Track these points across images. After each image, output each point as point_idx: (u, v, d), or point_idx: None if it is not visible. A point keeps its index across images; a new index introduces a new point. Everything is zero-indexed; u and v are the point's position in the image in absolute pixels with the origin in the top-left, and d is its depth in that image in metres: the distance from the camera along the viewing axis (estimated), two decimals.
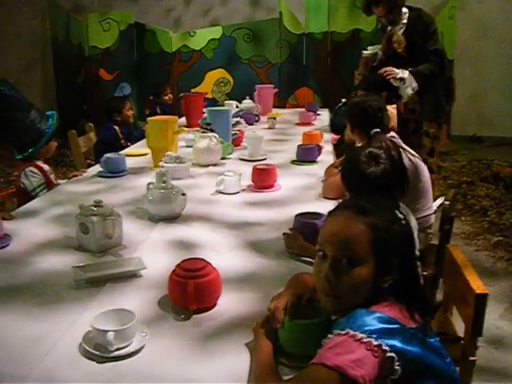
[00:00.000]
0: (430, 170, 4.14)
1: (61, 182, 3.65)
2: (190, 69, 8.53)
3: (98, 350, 1.49)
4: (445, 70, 4.84)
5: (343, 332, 1.29)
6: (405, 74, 4.59)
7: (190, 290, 1.67)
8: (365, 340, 1.26)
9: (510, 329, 3.58)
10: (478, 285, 2.21)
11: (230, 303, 1.80)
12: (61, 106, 8.93)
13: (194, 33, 8.51)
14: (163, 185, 2.61)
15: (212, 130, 3.81)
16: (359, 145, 3.11)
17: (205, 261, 1.81)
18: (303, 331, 1.50)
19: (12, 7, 9.58)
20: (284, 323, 1.51)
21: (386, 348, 1.26)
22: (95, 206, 2.28)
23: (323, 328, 1.46)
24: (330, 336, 1.32)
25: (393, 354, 1.26)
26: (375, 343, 1.25)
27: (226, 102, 5.92)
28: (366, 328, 1.28)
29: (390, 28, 4.84)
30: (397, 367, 1.27)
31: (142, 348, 1.52)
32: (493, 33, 8.93)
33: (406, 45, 4.71)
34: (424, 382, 1.35)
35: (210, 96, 8.31)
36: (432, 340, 1.40)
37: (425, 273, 2.90)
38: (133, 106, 8.12)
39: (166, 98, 6.80)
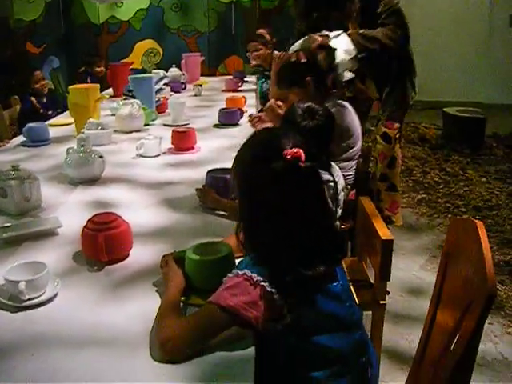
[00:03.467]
0: (393, 187, 3.83)
1: None
2: (118, 40, 8.45)
3: (12, 300, 1.56)
4: (407, 43, 3.60)
5: (241, 272, 1.36)
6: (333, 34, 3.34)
7: (100, 242, 1.75)
8: (260, 283, 1.33)
9: (429, 279, 3.73)
10: (383, 232, 2.33)
11: (142, 254, 1.89)
12: None
13: (122, 3, 8.40)
14: (81, 149, 2.67)
15: (133, 97, 3.85)
16: None
17: (115, 215, 1.89)
18: (206, 266, 1.60)
19: None
20: (188, 260, 1.62)
21: (276, 296, 1.34)
22: (13, 171, 2.32)
23: (226, 263, 1.58)
24: (229, 275, 1.39)
25: (282, 302, 1.34)
26: (269, 289, 1.33)
27: (154, 71, 5.91)
28: (264, 271, 1.36)
29: None
30: (286, 314, 1.35)
31: (54, 297, 1.60)
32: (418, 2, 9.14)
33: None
34: (321, 328, 1.44)
35: (139, 66, 8.29)
36: (335, 284, 1.47)
37: (343, 226, 3.05)
38: (60, 78, 8.09)
39: (98, 69, 6.87)
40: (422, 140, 7.25)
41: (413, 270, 3.94)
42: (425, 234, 4.58)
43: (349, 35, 3.33)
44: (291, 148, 1.38)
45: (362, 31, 3.39)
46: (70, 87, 3.73)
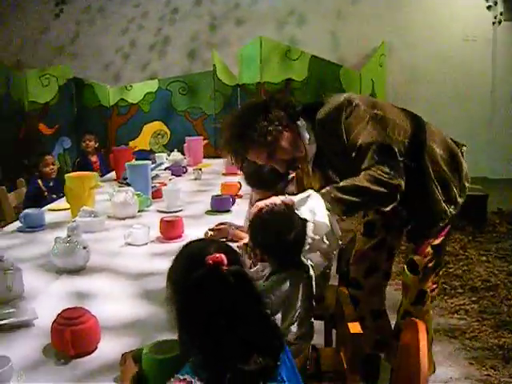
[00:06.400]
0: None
1: None
2: (127, 122, 8.73)
3: None
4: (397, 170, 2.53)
5: (182, 377, 1.43)
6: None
7: (67, 337, 1.83)
8: None
9: None
10: (353, 325, 2.37)
11: (110, 348, 1.95)
12: (3, 162, 9.01)
13: (131, 87, 8.72)
14: (68, 239, 2.77)
15: (128, 184, 3.98)
16: None
17: (84, 309, 1.97)
18: (158, 364, 1.66)
19: None
20: (143, 358, 1.68)
21: None
22: None
23: (178, 362, 1.62)
24: (172, 379, 1.44)
25: None
26: None
27: (157, 155, 6.14)
28: (205, 375, 1.42)
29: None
30: None
31: None
32: (421, 77, 9.35)
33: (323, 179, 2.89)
34: None
35: (147, 148, 8.53)
36: None
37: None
38: (68, 159, 8.30)
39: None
40: None
41: None
42: None
43: (322, 194, 2.49)
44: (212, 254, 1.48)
45: (337, 185, 2.53)
46: (66, 175, 3.88)
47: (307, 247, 2.39)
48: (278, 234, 2.31)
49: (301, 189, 3.00)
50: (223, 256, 1.47)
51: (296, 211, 2.39)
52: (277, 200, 2.45)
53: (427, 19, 9.27)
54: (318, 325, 3.13)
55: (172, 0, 9.61)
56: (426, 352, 1.53)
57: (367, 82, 8.40)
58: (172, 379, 1.44)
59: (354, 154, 2.57)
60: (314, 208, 2.41)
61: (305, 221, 2.35)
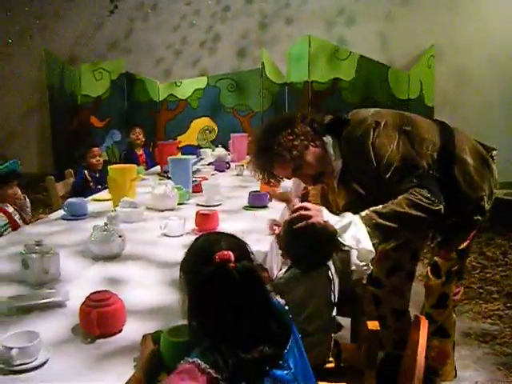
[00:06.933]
0: (441, 332, 3.10)
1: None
2: (175, 117, 8.92)
3: (3, 363, 1.76)
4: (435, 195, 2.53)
5: (191, 360, 1.52)
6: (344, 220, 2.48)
7: (92, 317, 1.94)
8: (207, 370, 1.49)
9: None
10: (371, 322, 2.42)
11: (134, 330, 2.05)
12: (56, 153, 9.30)
13: (181, 83, 8.92)
14: (105, 227, 2.90)
15: (168, 178, 4.10)
16: None
17: (111, 293, 2.08)
18: (173, 347, 1.76)
19: (10, 57, 10.03)
20: (161, 340, 1.79)
21: (222, 383, 1.49)
22: (36, 245, 2.56)
23: (191, 346, 1.72)
24: (182, 362, 1.54)
25: None
26: (214, 376, 1.49)
27: (202, 150, 6.28)
28: (211, 359, 1.51)
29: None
30: None
31: (43, 364, 1.79)
32: (471, 80, 9.22)
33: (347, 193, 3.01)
34: None
35: (195, 143, 8.69)
36: (286, 372, 1.60)
37: None
38: (116, 152, 8.51)
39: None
40: None
41: None
42: None
43: (362, 218, 2.49)
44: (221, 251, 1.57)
45: (377, 210, 2.52)
46: (109, 167, 4.02)
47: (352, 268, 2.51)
48: (304, 251, 2.42)
49: (324, 204, 3.05)
50: (231, 253, 1.56)
51: (339, 238, 2.43)
52: (320, 218, 2.47)
53: (479, 22, 9.09)
54: (349, 322, 3.22)
55: None
56: (424, 347, 1.58)
57: (415, 84, 8.36)
58: (182, 361, 1.54)
59: (388, 175, 2.61)
60: (357, 235, 2.44)
61: (349, 248, 2.43)
